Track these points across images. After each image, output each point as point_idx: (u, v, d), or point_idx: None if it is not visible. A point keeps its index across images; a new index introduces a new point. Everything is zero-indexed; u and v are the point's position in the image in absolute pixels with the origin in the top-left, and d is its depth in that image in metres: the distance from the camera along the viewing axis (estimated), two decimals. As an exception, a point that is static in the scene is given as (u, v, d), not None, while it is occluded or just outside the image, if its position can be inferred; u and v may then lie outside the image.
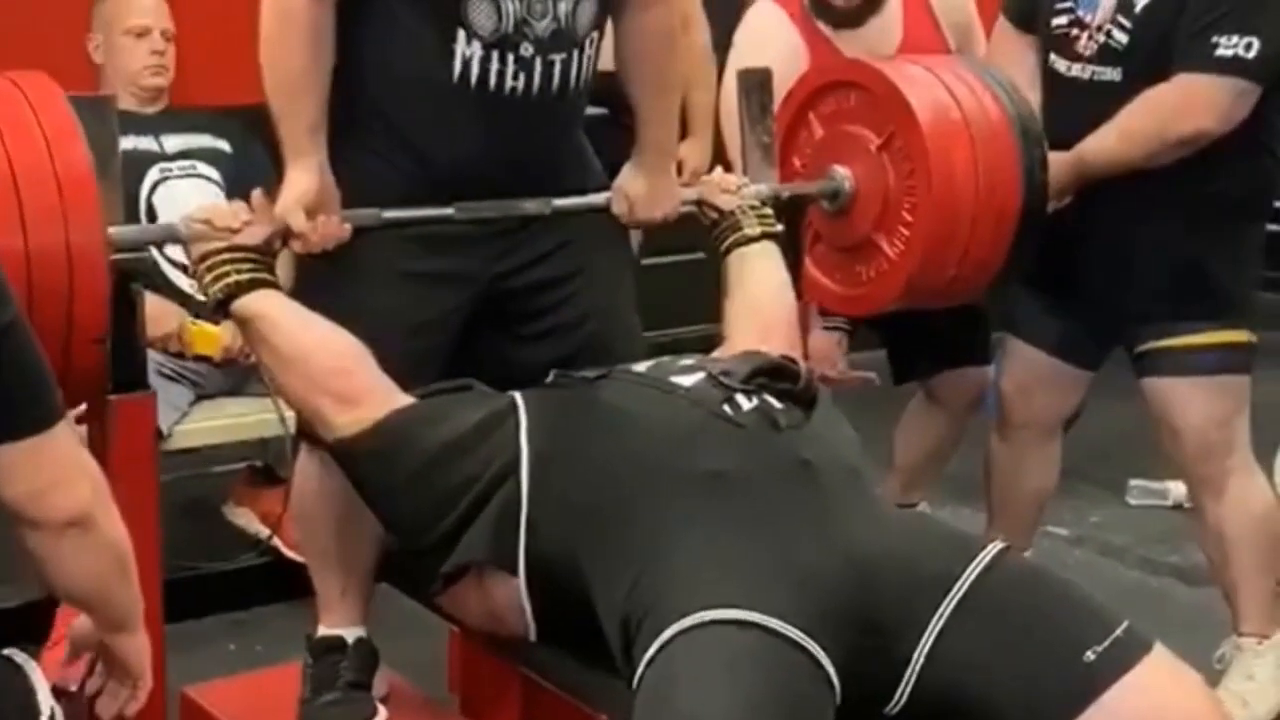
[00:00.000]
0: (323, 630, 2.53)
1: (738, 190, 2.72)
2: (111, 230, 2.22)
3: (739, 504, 2.03)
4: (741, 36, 3.36)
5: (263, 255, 2.33)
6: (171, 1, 3.64)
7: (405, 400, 2.25)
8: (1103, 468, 4.34)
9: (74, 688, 3.08)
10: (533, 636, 2.18)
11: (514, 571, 2.13)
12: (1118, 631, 1.97)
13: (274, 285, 2.33)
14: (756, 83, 2.90)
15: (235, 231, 2.31)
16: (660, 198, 2.60)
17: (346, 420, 2.23)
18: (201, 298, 3.44)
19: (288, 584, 3.35)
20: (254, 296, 2.30)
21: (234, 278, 2.30)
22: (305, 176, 2.31)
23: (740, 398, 2.14)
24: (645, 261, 3.58)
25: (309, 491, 2.52)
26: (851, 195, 2.93)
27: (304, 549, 2.63)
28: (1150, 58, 2.92)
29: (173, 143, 3.57)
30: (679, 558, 1.98)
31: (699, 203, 2.72)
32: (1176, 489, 4.12)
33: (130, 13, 3.57)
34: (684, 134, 3.34)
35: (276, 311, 2.30)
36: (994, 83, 2.92)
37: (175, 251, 3.46)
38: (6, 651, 1.76)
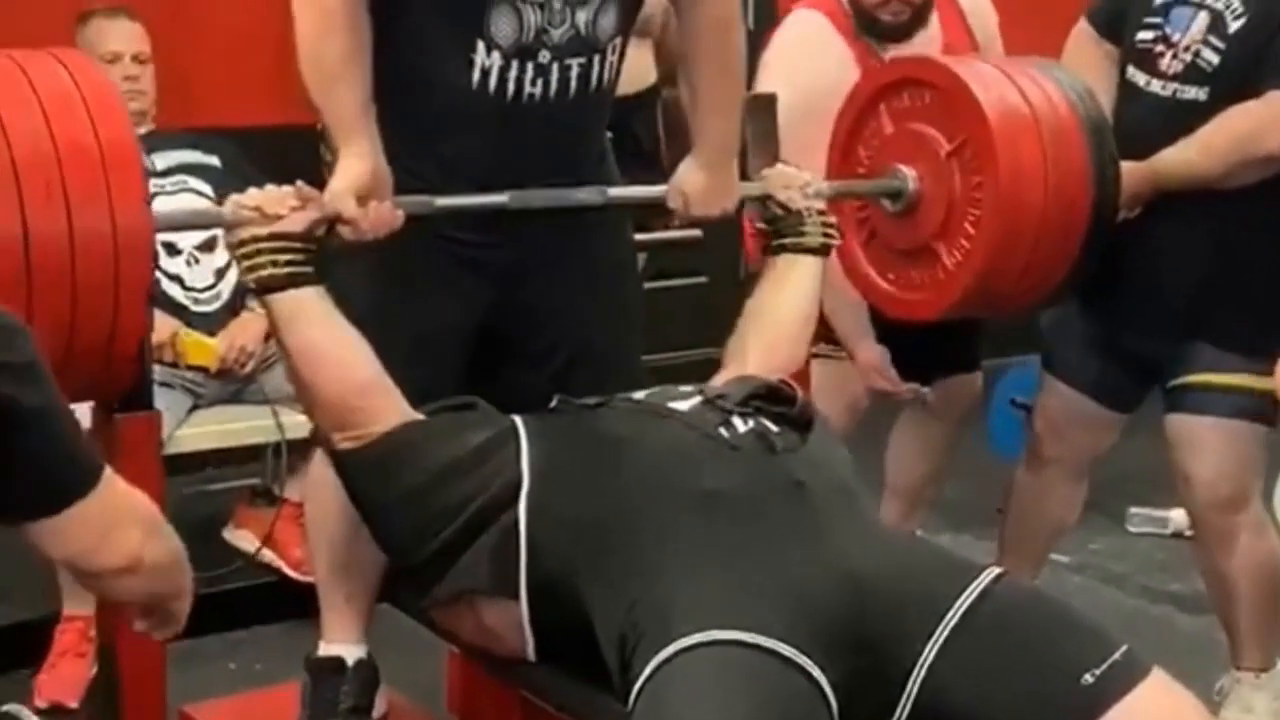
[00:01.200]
0: (323, 649, 2.52)
1: (803, 189, 2.62)
2: (156, 211, 2.15)
3: (735, 524, 2.03)
4: (787, 43, 3.22)
5: (304, 243, 2.23)
6: (164, 26, 3.68)
7: (411, 416, 2.24)
8: (1104, 495, 4.31)
9: (74, 704, 3.08)
10: (531, 656, 2.18)
11: (515, 597, 2.14)
12: (1116, 655, 1.96)
13: (312, 279, 2.24)
14: (761, 106, 2.89)
15: (280, 218, 2.22)
16: (718, 194, 2.53)
17: (349, 440, 2.23)
18: (198, 308, 3.50)
19: (288, 603, 3.37)
20: (288, 296, 2.22)
21: (269, 270, 2.22)
22: (357, 162, 2.26)
23: (736, 420, 2.14)
24: (647, 285, 3.58)
25: (322, 494, 2.48)
26: (915, 198, 2.80)
27: (312, 553, 2.61)
28: (1239, 79, 2.86)
29: (163, 160, 3.58)
30: (676, 578, 1.98)
31: (764, 198, 2.63)
32: (1177, 517, 4.12)
33: (102, 39, 3.59)
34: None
35: (304, 323, 2.23)
36: (1074, 93, 2.79)
37: (168, 262, 3.48)
38: (7, 708, 1.78)
